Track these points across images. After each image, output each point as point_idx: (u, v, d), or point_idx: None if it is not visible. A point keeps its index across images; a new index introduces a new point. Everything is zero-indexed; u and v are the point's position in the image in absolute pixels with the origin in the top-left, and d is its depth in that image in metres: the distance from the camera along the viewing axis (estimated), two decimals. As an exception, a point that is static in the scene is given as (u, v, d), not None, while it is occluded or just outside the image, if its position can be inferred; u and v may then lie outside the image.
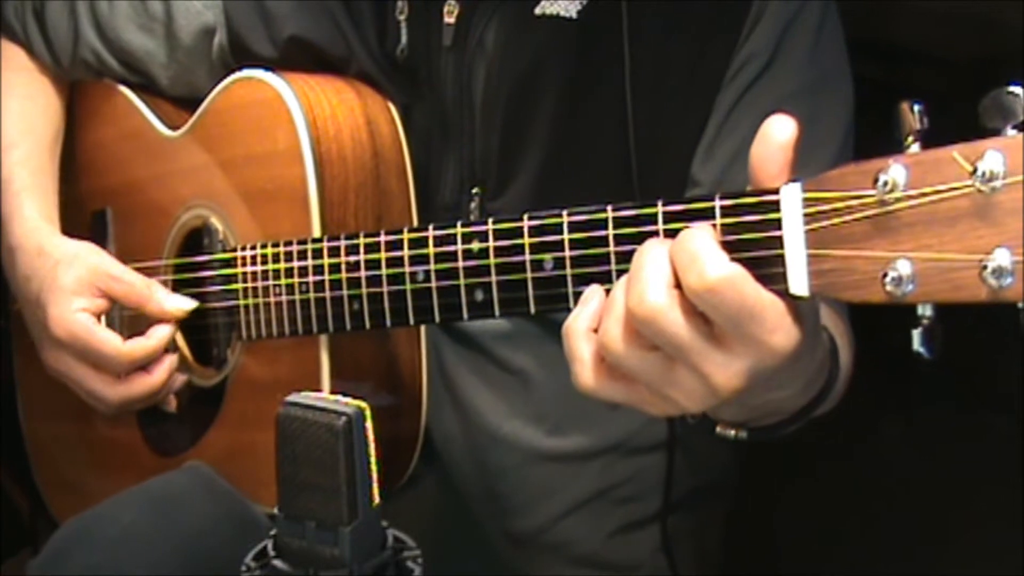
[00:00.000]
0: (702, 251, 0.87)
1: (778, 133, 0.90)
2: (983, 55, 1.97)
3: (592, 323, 0.96)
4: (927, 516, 2.00)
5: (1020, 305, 0.80)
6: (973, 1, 1.94)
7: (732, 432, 1.09)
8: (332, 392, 1.05)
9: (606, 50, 1.35)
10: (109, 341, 1.42)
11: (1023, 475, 1.87)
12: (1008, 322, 0.81)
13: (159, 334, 1.43)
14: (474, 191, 1.42)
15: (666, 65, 1.35)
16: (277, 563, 0.89)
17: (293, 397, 0.88)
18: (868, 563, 2.01)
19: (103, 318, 1.47)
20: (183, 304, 1.45)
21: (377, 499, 0.88)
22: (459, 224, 1.12)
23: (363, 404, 0.87)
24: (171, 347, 1.47)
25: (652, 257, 0.90)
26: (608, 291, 0.96)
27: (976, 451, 1.99)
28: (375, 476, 0.88)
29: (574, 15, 1.36)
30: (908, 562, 1.98)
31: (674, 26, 1.35)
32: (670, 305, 0.88)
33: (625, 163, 1.35)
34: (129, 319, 1.50)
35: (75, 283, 1.44)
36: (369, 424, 0.87)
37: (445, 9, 1.41)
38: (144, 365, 1.45)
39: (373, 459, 0.87)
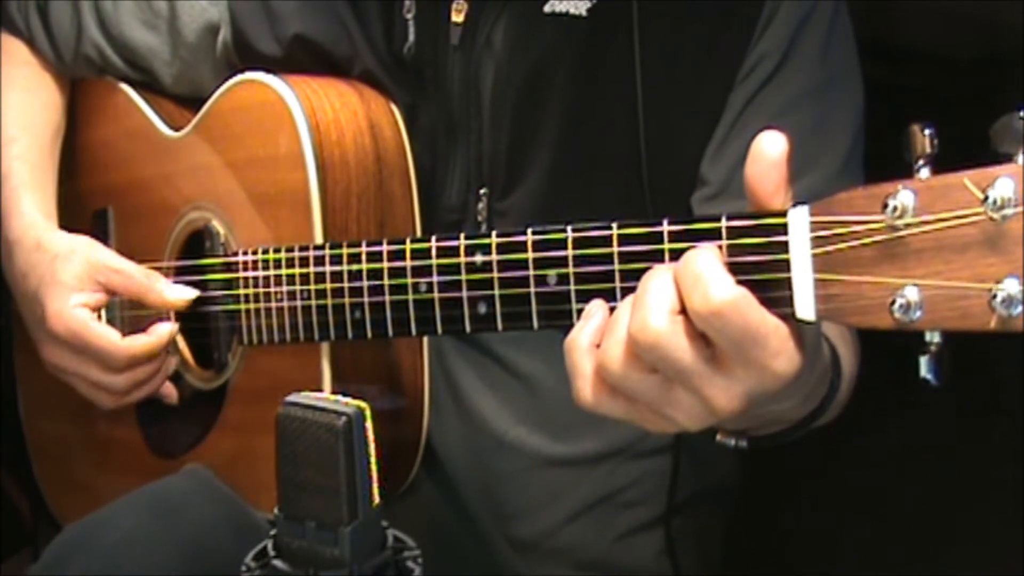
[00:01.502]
0: (707, 273, 0.87)
1: (770, 150, 0.90)
2: (984, 55, 1.97)
3: (595, 339, 0.95)
4: (929, 518, 2.01)
5: (1030, 334, 0.79)
6: (974, 1, 1.94)
7: (732, 441, 1.09)
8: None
9: (616, 48, 1.34)
10: (107, 336, 1.41)
11: (1023, 477, 1.88)
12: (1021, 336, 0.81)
13: (160, 331, 1.42)
14: (481, 191, 1.41)
15: (676, 64, 1.34)
16: (277, 563, 0.90)
17: (293, 397, 0.88)
18: (871, 565, 2.02)
19: (103, 316, 1.47)
20: (184, 294, 1.43)
21: (377, 499, 0.88)
22: (462, 236, 1.12)
23: (363, 404, 0.87)
24: (172, 348, 1.47)
25: (657, 282, 0.90)
26: (612, 307, 0.96)
27: (977, 453, 2.00)
28: (375, 476, 0.88)
29: (584, 13, 1.35)
30: (910, 563, 1.99)
31: (685, 24, 1.34)
32: (672, 331, 0.88)
33: (635, 162, 1.35)
34: (131, 319, 1.50)
35: (73, 278, 1.43)
36: (369, 424, 0.87)
37: (453, 8, 1.40)
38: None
39: (373, 459, 0.87)
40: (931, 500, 2.01)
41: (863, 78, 1.40)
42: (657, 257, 0.95)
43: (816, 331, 0.97)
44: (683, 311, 0.88)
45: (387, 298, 1.20)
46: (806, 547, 2.07)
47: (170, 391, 1.50)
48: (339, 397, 0.88)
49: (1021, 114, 0.80)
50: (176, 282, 1.47)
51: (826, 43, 1.36)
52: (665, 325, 0.88)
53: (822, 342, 1.04)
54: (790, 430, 1.09)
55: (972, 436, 2.04)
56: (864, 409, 1.25)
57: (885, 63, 1.96)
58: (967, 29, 2.02)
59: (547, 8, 1.36)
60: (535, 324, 1.06)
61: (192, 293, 1.44)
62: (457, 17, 1.40)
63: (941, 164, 0.83)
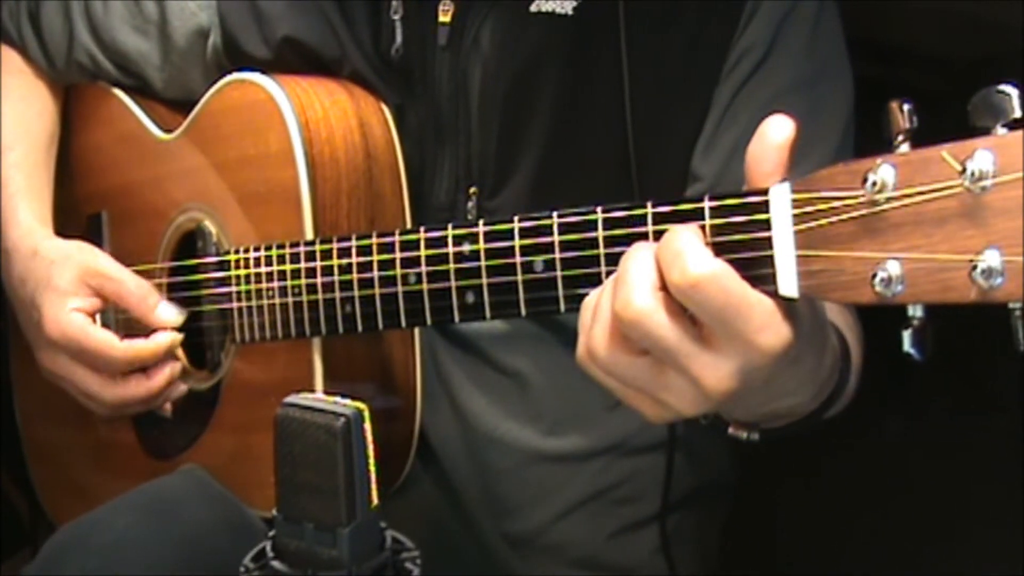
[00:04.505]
0: (686, 248, 0.87)
1: (774, 133, 0.90)
2: (982, 55, 1.96)
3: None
4: (927, 516, 2.00)
5: (1010, 306, 0.79)
6: (973, 1, 1.93)
7: (744, 433, 1.09)
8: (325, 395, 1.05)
9: (602, 46, 1.35)
10: (104, 340, 1.42)
11: (1023, 475, 1.87)
12: (1006, 321, 0.81)
13: (159, 339, 1.43)
14: (470, 191, 1.42)
15: (663, 60, 1.35)
16: (275, 564, 0.89)
17: (292, 398, 0.88)
18: (867, 563, 2.00)
19: (98, 319, 1.47)
20: (170, 317, 1.44)
21: (376, 500, 0.88)
22: (450, 226, 1.12)
23: (361, 405, 0.87)
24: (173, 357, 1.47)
25: (637, 260, 0.90)
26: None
27: (976, 451, 1.99)
28: (373, 477, 0.88)
29: (570, 12, 1.35)
30: (907, 562, 1.98)
31: (670, 20, 1.35)
32: (655, 307, 0.88)
33: (623, 160, 1.35)
34: (125, 320, 1.50)
35: (69, 284, 1.44)
36: (367, 425, 0.87)
37: (440, 8, 1.41)
38: (143, 368, 1.44)
39: (372, 460, 0.87)
40: (930, 499, 2.00)
41: (859, 78, 1.40)
42: (642, 239, 0.95)
43: (818, 317, 0.97)
44: (666, 288, 0.88)
45: (377, 291, 1.21)
46: (803, 545, 2.06)
47: (165, 405, 1.51)
48: (337, 398, 0.88)
49: (998, 88, 0.81)
50: (169, 283, 1.47)
51: (812, 37, 1.36)
52: (648, 302, 0.88)
53: (830, 331, 1.04)
54: (802, 422, 1.09)
55: (971, 435, 2.02)
56: (863, 407, 1.24)
57: (880, 63, 1.96)
58: (963, 30, 2.02)
59: (533, 7, 1.36)
60: (522, 311, 1.06)
61: (179, 317, 1.44)
62: (444, 18, 1.41)
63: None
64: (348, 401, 0.88)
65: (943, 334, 0.86)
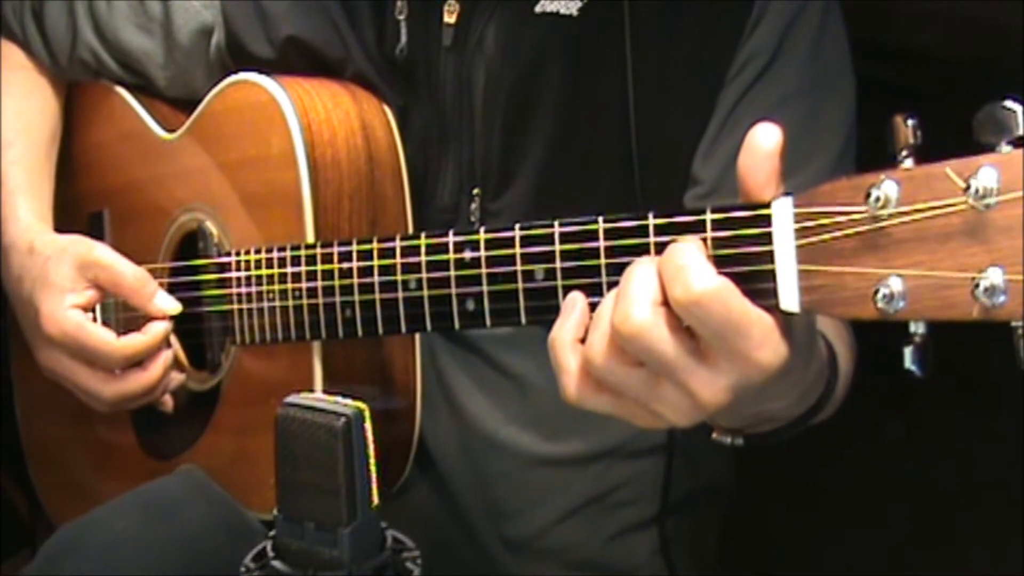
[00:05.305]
0: (689, 264, 0.87)
1: (764, 142, 0.90)
2: (983, 56, 1.96)
3: (577, 333, 0.96)
4: (927, 518, 2.00)
5: (1013, 324, 0.79)
6: (973, 2, 1.93)
7: (728, 439, 1.09)
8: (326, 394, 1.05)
9: (607, 48, 1.34)
10: (101, 337, 1.41)
11: (1022, 479, 1.87)
12: (1006, 326, 0.80)
13: (154, 330, 1.42)
14: (474, 192, 1.42)
15: (667, 63, 1.34)
16: (276, 564, 0.90)
17: (292, 398, 0.89)
18: (867, 566, 2.01)
19: (98, 315, 1.47)
20: (168, 305, 1.43)
21: (376, 500, 0.88)
22: (451, 233, 1.12)
23: (362, 405, 0.88)
24: (167, 345, 1.46)
25: (639, 274, 0.90)
26: (592, 302, 0.96)
27: (976, 454, 1.99)
28: (374, 477, 0.88)
29: (575, 13, 1.35)
30: (908, 564, 1.98)
31: (675, 24, 1.34)
32: (655, 322, 0.88)
33: (626, 162, 1.35)
34: (125, 316, 1.50)
35: (65, 279, 1.43)
36: (368, 425, 0.88)
37: (445, 9, 1.40)
38: (140, 361, 1.44)
39: (372, 460, 0.88)
40: (929, 500, 2.01)
41: (860, 79, 1.39)
42: (643, 250, 0.95)
43: (811, 329, 0.97)
44: (666, 303, 0.88)
45: (377, 296, 1.20)
46: (803, 548, 2.07)
47: (166, 400, 1.50)
48: (338, 398, 0.89)
49: (1003, 104, 0.80)
50: (170, 283, 1.47)
51: (816, 42, 1.36)
52: (647, 316, 0.88)
53: (818, 340, 1.04)
54: (785, 428, 1.08)
55: (972, 436, 2.03)
56: (863, 409, 1.24)
57: (882, 64, 1.96)
58: (965, 30, 2.02)
59: (538, 8, 1.36)
60: (523, 319, 1.06)
61: (175, 308, 1.43)
62: (449, 18, 1.40)
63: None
64: (349, 401, 0.88)
65: (943, 338, 0.86)
